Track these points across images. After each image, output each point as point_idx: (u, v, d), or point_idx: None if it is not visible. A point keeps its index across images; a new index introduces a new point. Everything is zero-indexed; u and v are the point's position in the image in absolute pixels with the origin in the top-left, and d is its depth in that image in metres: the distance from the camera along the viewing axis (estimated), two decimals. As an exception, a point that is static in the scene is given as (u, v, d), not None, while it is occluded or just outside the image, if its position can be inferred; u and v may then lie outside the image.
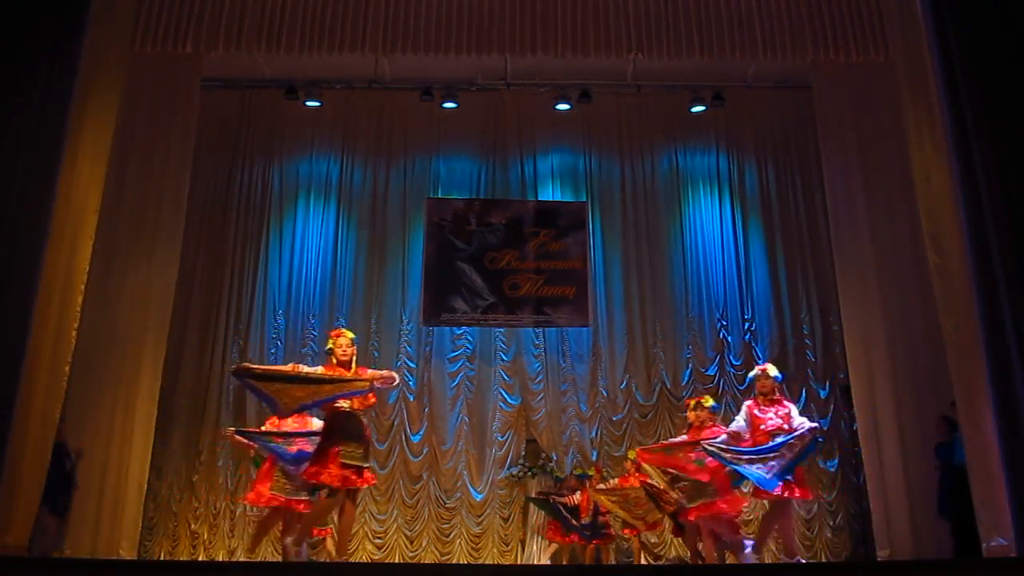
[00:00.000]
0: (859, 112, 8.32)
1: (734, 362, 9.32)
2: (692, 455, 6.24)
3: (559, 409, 9.23)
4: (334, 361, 5.57)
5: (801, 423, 6.06)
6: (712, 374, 9.29)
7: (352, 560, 8.46)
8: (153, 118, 8.26)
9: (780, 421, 6.06)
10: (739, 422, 6.19)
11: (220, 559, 8.34)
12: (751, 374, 6.54)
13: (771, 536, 6.15)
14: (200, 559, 8.38)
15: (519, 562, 8.58)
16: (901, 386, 7.67)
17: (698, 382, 9.25)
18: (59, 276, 6.34)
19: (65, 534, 7.25)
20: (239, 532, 8.68)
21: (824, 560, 8.47)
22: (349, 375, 5.51)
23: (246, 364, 6.05)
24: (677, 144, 10.05)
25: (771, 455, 5.83)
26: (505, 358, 9.42)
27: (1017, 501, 5.01)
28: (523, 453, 9.12)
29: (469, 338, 9.53)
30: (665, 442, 7.20)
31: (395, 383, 5.75)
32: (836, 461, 8.91)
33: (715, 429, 6.32)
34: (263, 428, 6.70)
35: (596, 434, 9.15)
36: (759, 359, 9.22)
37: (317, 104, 9.66)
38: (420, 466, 9.10)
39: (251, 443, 6.58)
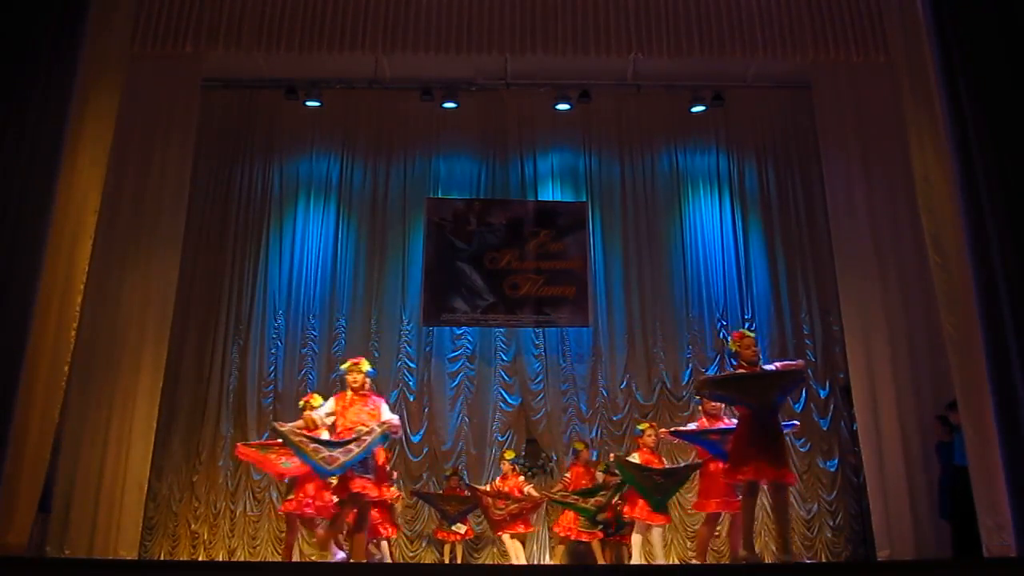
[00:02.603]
0: (859, 112, 8.35)
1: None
2: (283, 456, 6.49)
3: (559, 409, 9.20)
4: (745, 364, 5.79)
5: (388, 419, 6.00)
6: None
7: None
8: (153, 118, 8.29)
9: (366, 417, 5.98)
10: (319, 411, 6.15)
11: (220, 559, 8.34)
12: (343, 366, 6.34)
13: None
14: (200, 559, 8.38)
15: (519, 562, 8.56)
16: (901, 386, 7.69)
17: (698, 382, 9.23)
18: (59, 276, 6.34)
19: (47, 533, 7.24)
20: (239, 532, 8.68)
21: (824, 560, 8.46)
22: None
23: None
24: (677, 144, 10.03)
25: (339, 449, 5.80)
26: (505, 358, 9.41)
27: (1017, 501, 5.02)
28: (523, 453, 9.09)
29: (469, 338, 9.52)
30: (262, 441, 7.44)
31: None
32: (836, 461, 8.89)
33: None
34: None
35: (596, 434, 9.11)
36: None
37: (317, 104, 9.65)
38: (420, 466, 9.07)
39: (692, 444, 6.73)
